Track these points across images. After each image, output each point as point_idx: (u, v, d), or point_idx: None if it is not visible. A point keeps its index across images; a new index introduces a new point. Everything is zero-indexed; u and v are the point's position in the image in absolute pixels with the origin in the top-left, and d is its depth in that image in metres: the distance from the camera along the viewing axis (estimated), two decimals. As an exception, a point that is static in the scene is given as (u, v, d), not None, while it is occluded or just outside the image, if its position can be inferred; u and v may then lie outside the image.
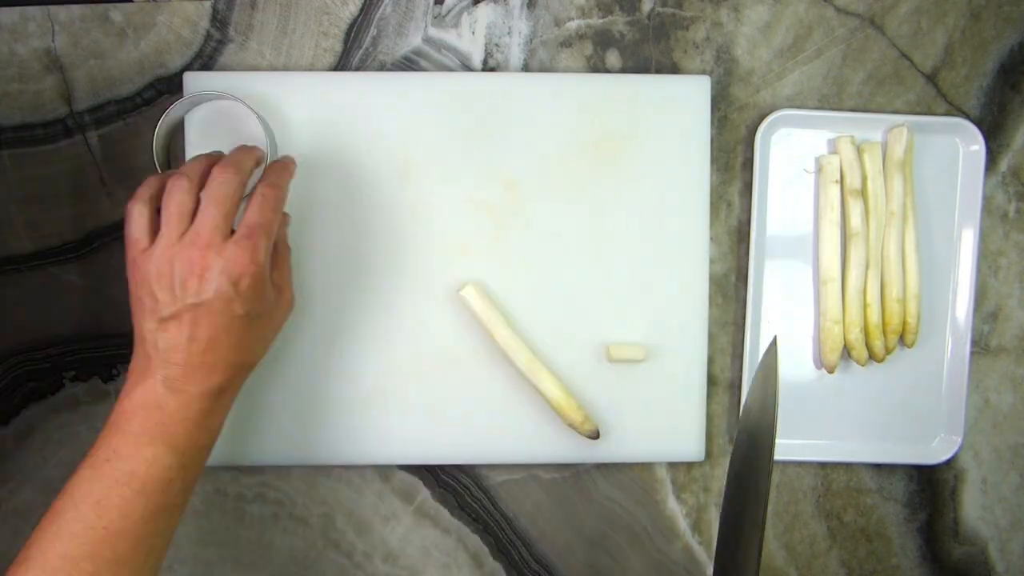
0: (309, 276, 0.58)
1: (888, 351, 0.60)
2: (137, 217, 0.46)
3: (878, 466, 0.63)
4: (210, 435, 0.46)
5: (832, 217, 0.59)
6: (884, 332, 0.59)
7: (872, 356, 0.60)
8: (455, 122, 0.58)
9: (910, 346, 0.60)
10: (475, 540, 0.61)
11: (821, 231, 0.60)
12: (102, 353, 0.59)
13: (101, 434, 0.45)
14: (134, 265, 0.46)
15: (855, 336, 0.59)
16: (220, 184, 0.46)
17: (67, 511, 0.42)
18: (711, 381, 0.61)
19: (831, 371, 0.60)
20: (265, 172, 0.50)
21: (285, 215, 0.52)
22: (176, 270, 0.44)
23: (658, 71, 0.60)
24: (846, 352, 0.61)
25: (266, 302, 0.47)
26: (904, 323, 0.59)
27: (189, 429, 0.44)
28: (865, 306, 0.59)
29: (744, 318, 0.60)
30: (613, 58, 0.60)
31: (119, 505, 0.42)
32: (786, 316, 0.61)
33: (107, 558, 0.41)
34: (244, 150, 0.50)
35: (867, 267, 0.59)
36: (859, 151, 0.59)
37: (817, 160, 0.60)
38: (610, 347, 0.58)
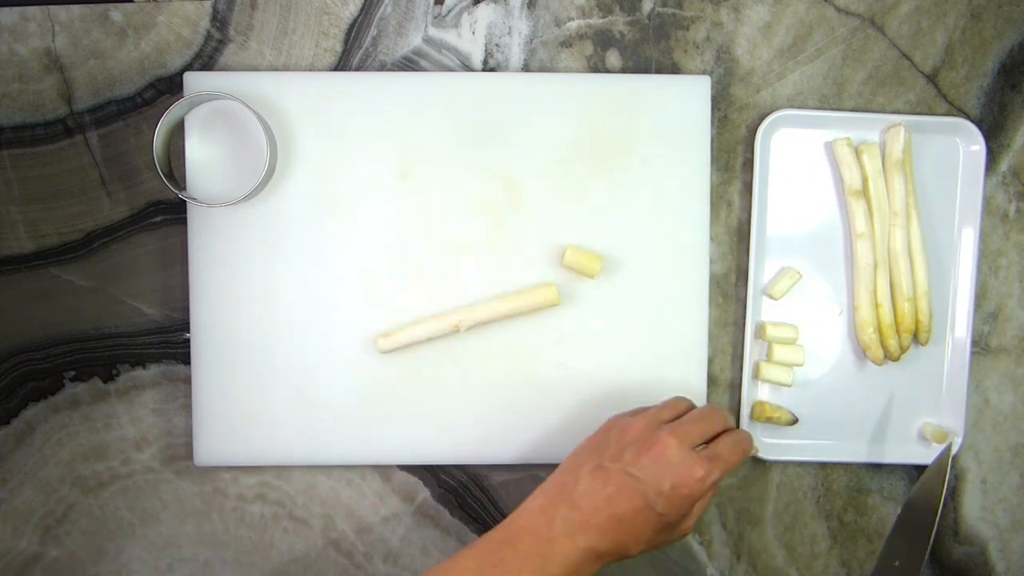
0: (310, 276, 0.58)
1: (903, 350, 0.60)
2: (663, 405, 0.51)
3: (878, 466, 0.63)
4: None
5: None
6: (898, 331, 0.59)
7: (888, 355, 0.60)
8: (455, 122, 0.58)
9: (924, 344, 0.60)
10: (475, 540, 0.61)
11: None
12: (102, 353, 0.59)
13: (490, 536, 0.47)
14: (613, 419, 0.51)
15: (869, 336, 0.59)
16: (736, 437, 0.50)
17: None
18: (711, 381, 0.61)
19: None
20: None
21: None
22: (639, 439, 0.47)
23: (658, 71, 0.60)
24: (851, 353, 0.61)
25: (679, 519, 0.47)
26: (917, 321, 0.59)
27: (564, 572, 0.45)
28: (877, 306, 0.59)
29: (744, 318, 0.60)
30: (613, 58, 0.60)
31: None
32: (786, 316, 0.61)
33: None
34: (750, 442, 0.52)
35: (875, 267, 0.59)
36: (858, 152, 0.59)
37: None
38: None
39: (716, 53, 0.60)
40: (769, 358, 0.60)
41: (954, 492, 0.63)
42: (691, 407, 0.52)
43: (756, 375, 0.60)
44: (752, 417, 0.60)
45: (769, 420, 0.60)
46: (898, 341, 0.60)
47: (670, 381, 0.59)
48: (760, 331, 0.60)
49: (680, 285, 0.59)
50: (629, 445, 0.47)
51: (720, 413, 0.51)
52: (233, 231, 0.57)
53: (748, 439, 0.51)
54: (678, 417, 0.50)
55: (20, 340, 0.59)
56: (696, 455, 0.47)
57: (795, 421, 0.60)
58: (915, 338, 0.60)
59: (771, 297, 0.60)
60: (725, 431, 0.50)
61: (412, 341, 0.57)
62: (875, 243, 0.59)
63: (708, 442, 0.49)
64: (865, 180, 0.59)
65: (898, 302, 0.59)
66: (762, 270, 0.61)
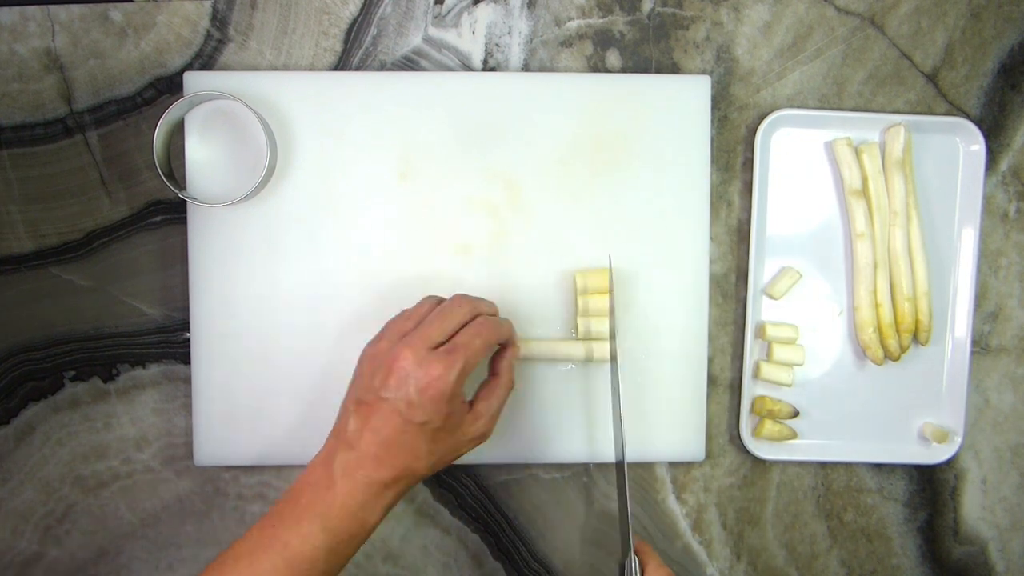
0: (310, 276, 0.58)
1: (903, 350, 0.60)
2: (406, 316, 0.50)
3: (878, 466, 0.63)
4: (362, 528, 0.46)
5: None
6: (898, 331, 0.59)
7: (888, 355, 0.60)
8: (455, 122, 0.58)
9: (924, 344, 0.60)
10: (475, 540, 0.61)
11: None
12: (102, 353, 0.59)
13: (281, 497, 0.47)
14: (366, 347, 0.49)
15: (869, 336, 0.59)
16: (475, 325, 0.49)
17: (226, 561, 0.44)
18: (711, 381, 0.61)
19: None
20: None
21: (514, 348, 0.53)
22: (382, 362, 0.47)
23: (658, 71, 0.60)
24: (851, 353, 0.61)
25: (449, 419, 0.47)
26: (917, 321, 0.59)
27: (345, 515, 0.45)
28: (877, 306, 0.59)
29: (744, 318, 0.60)
30: (613, 58, 0.60)
31: (268, 570, 0.44)
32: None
33: None
34: (506, 325, 0.51)
35: (875, 267, 0.59)
36: (858, 152, 0.59)
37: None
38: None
39: (716, 53, 0.60)
40: (769, 358, 0.60)
41: (954, 492, 0.63)
42: (433, 307, 0.50)
43: (756, 375, 0.60)
44: (753, 411, 0.61)
45: (770, 413, 0.60)
46: (898, 341, 0.60)
47: (670, 381, 0.59)
48: (760, 331, 0.60)
49: (680, 285, 0.59)
50: (376, 371, 0.47)
51: (465, 302, 0.50)
52: (233, 231, 0.57)
53: (491, 324, 0.50)
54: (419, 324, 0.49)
55: (20, 340, 0.59)
56: (433, 354, 0.46)
57: (796, 414, 0.60)
58: (915, 338, 0.60)
59: (771, 297, 0.60)
60: (474, 319, 0.50)
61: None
62: (875, 243, 0.59)
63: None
64: (865, 180, 0.59)
65: (898, 302, 0.59)
66: (762, 270, 0.61)
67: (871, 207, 0.59)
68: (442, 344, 0.47)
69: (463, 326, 0.49)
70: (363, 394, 0.47)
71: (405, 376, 0.46)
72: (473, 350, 0.48)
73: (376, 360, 0.48)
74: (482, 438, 0.51)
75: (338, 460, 0.46)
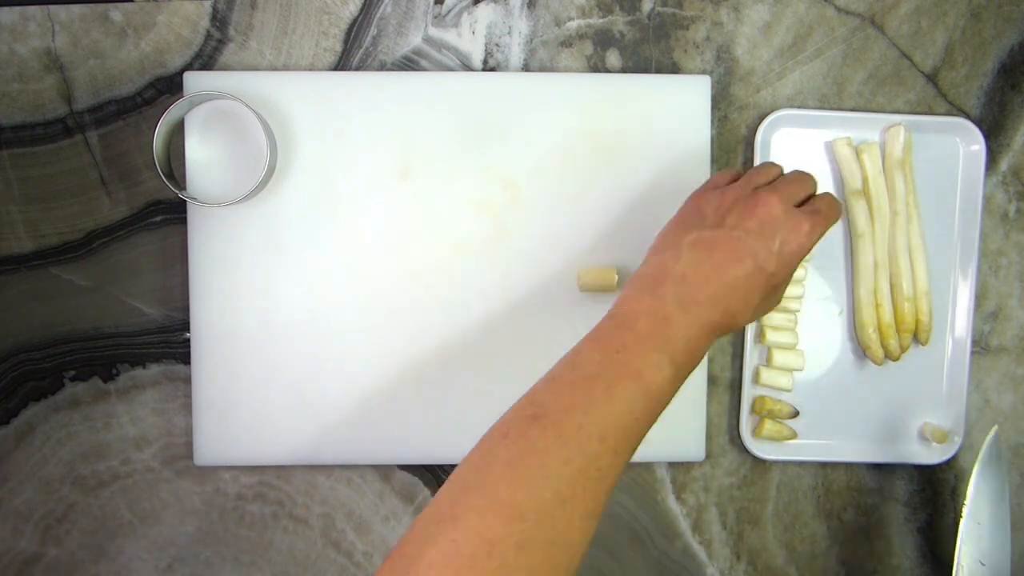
0: (310, 276, 0.58)
1: (903, 349, 0.60)
2: (727, 171, 0.50)
3: (878, 466, 0.63)
4: (693, 368, 0.43)
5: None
6: (898, 331, 0.59)
7: (888, 355, 0.60)
8: (455, 122, 0.58)
9: (924, 344, 0.60)
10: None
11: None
12: (102, 353, 0.59)
13: (603, 325, 0.43)
14: (698, 194, 0.48)
15: (869, 336, 0.59)
16: (830, 197, 0.49)
17: (576, 381, 0.40)
18: (711, 381, 0.61)
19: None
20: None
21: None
22: (739, 202, 0.45)
23: (658, 71, 0.60)
24: (851, 353, 0.61)
25: (783, 282, 0.46)
26: (917, 321, 0.59)
27: (685, 349, 0.42)
28: (877, 306, 0.59)
29: (744, 318, 0.60)
30: (613, 58, 0.60)
31: (626, 399, 0.40)
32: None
33: (610, 445, 0.39)
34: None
35: (876, 267, 0.59)
36: (858, 152, 0.59)
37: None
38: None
39: (716, 53, 0.60)
40: (769, 363, 0.60)
41: (954, 492, 0.63)
42: (781, 171, 0.50)
43: (756, 380, 0.60)
44: (753, 411, 0.60)
45: (770, 413, 0.60)
46: (898, 341, 0.60)
47: (670, 381, 0.59)
48: (759, 335, 0.60)
49: (680, 285, 0.59)
50: (730, 210, 0.45)
51: (810, 176, 0.49)
52: (233, 231, 0.57)
53: (837, 203, 0.49)
54: (770, 182, 0.48)
55: (20, 340, 0.59)
56: (803, 213, 0.46)
57: (796, 414, 0.60)
58: (915, 338, 0.60)
59: None
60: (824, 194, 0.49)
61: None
62: (875, 243, 0.59)
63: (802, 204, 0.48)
64: (865, 180, 0.59)
65: (898, 302, 0.59)
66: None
67: (871, 207, 0.59)
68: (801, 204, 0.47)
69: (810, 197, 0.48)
70: (708, 230, 0.45)
71: (772, 222, 0.44)
72: (831, 220, 0.47)
73: (727, 199, 0.46)
74: (775, 305, 0.50)
75: (670, 292, 0.43)
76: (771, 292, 0.46)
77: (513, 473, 0.37)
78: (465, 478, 0.38)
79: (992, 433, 0.55)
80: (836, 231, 0.61)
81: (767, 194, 0.45)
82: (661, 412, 0.42)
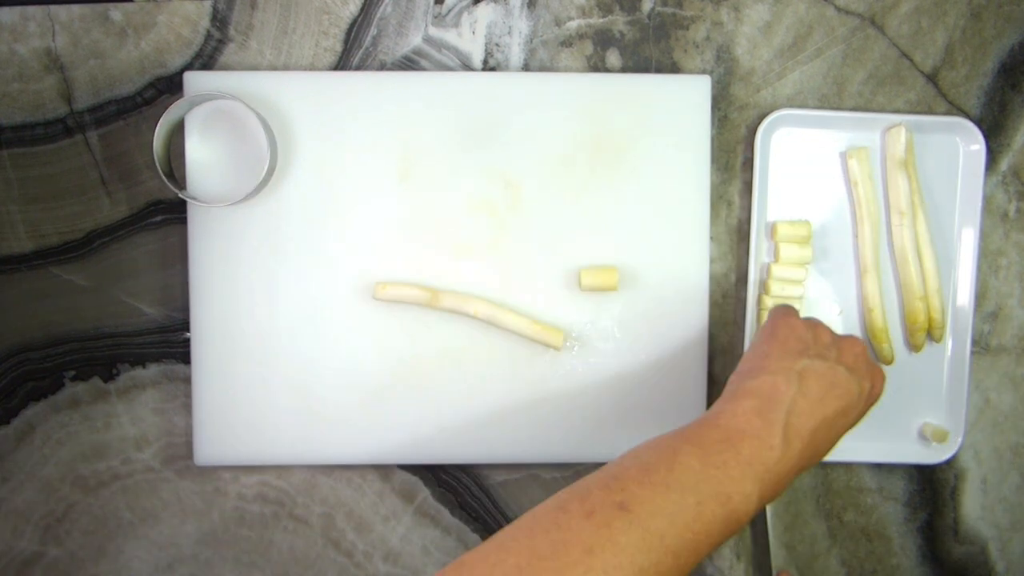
0: (310, 276, 0.58)
1: (918, 348, 0.60)
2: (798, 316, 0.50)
3: (878, 466, 0.63)
4: (773, 500, 0.43)
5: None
6: (911, 330, 0.60)
7: (881, 359, 0.60)
8: (455, 122, 0.58)
9: (939, 341, 0.60)
10: (475, 540, 0.61)
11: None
12: (102, 353, 0.59)
13: (707, 432, 0.43)
14: (783, 321, 0.48)
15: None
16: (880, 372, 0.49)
17: (656, 490, 0.39)
18: (711, 381, 0.61)
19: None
20: None
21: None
22: (833, 339, 0.47)
23: (658, 71, 0.60)
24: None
25: (853, 424, 0.47)
26: (930, 319, 0.60)
27: (776, 483, 0.42)
28: (869, 311, 0.60)
29: (744, 318, 0.60)
30: (613, 58, 0.60)
31: (709, 520, 0.39)
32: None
33: (680, 562, 0.39)
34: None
35: (865, 272, 0.59)
36: (846, 157, 0.59)
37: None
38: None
39: (716, 53, 0.60)
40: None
41: (954, 491, 0.63)
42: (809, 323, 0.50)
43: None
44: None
45: None
46: (891, 345, 0.60)
47: (670, 381, 0.59)
48: None
49: (680, 285, 0.59)
50: (830, 345, 0.47)
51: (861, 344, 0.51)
52: (233, 231, 0.57)
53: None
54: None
55: (20, 340, 0.59)
56: (873, 363, 0.48)
57: None
58: (929, 335, 0.61)
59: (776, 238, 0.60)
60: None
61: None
62: (875, 244, 0.59)
63: None
64: (855, 184, 0.59)
65: (909, 301, 0.60)
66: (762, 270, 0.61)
67: (861, 212, 0.59)
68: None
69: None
70: (814, 360, 0.45)
71: (863, 365, 0.46)
72: (880, 390, 0.49)
73: (818, 331, 0.47)
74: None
75: (779, 420, 0.42)
76: (845, 434, 0.47)
77: (589, 564, 0.36)
78: (537, 546, 0.37)
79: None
80: (836, 231, 0.61)
81: (854, 338, 0.48)
82: (728, 540, 0.43)
